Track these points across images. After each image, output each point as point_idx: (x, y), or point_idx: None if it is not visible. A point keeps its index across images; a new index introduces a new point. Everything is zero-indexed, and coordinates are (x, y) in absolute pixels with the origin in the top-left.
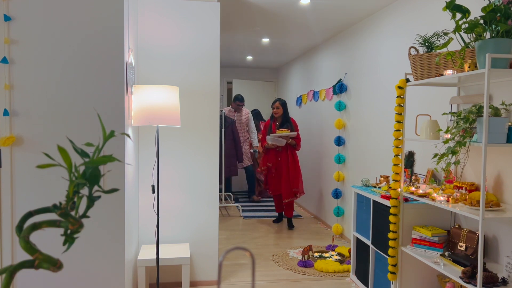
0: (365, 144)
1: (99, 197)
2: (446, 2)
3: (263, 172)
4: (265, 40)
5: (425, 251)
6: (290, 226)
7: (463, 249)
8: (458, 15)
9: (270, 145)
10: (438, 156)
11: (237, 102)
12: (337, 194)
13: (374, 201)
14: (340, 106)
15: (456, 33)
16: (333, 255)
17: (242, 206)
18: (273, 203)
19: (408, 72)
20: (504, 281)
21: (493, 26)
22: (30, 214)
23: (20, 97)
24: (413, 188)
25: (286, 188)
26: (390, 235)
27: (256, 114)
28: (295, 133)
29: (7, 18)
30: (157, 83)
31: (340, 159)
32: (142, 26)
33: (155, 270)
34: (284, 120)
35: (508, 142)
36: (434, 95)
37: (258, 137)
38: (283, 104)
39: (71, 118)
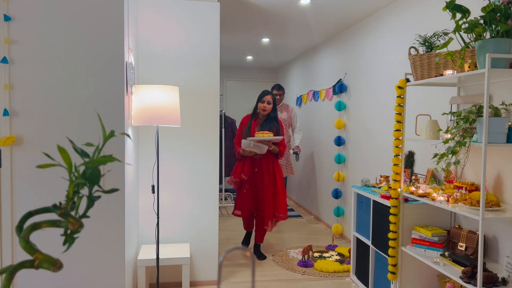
0: (365, 144)
1: (99, 197)
2: (446, 2)
3: (234, 184)
4: (265, 40)
5: (425, 251)
6: (260, 256)
7: (463, 249)
8: (458, 15)
9: (248, 152)
10: (438, 156)
11: (273, 91)
12: (337, 194)
13: (374, 201)
14: (340, 106)
15: (456, 33)
16: (333, 255)
17: None
18: None
19: (408, 72)
20: (504, 281)
21: (493, 26)
22: (30, 214)
23: (20, 97)
24: (413, 188)
25: (268, 210)
26: (390, 235)
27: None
28: (281, 137)
29: (7, 18)
30: (157, 83)
31: (340, 159)
32: (142, 26)
33: (155, 270)
34: (272, 119)
35: (508, 142)
36: (434, 95)
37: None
38: (274, 99)
39: (71, 118)
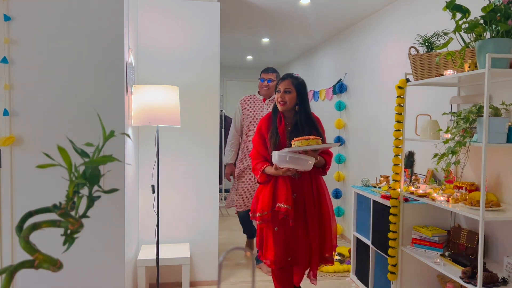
0: (365, 144)
1: (99, 197)
2: (446, 2)
3: (261, 221)
4: (265, 40)
5: (425, 251)
6: None
7: (463, 249)
8: (458, 15)
9: (284, 171)
10: (438, 156)
11: (261, 74)
12: (337, 194)
13: (374, 201)
14: (340, 106)
15: (456, 33)
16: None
17: None
18: None
19: (408, 72)
20: (504, 281)
21: (493, 26)
22: (30, 214)
23: (20, 97)
24: (413, 188)
25: (315, 255)
26: (390, 235)
27: None
28: (336, 143)
29: (7, 18)
30: (157, 83)
31: (340, 159)
32: (142, 26)
33: (155, 270)
34: (304, 117)
35: (508, 142)
36: (434, 95)
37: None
38: (299, 85)
39: (71, 118)
